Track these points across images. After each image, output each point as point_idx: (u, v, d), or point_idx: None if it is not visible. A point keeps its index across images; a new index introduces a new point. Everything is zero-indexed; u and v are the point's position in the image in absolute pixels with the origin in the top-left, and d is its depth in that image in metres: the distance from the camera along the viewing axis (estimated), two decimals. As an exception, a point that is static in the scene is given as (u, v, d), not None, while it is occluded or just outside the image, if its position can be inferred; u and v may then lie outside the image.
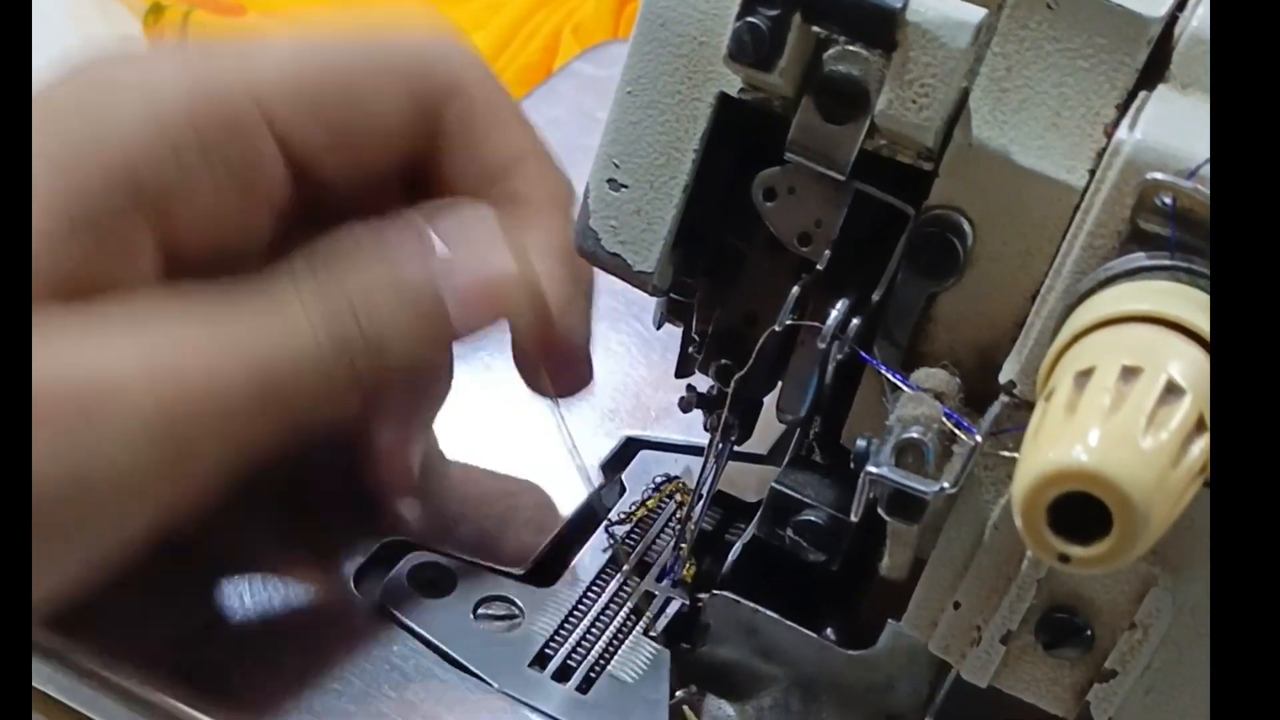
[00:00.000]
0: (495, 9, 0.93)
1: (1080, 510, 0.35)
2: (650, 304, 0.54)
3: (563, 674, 0.52)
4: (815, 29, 0.42)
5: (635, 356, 0.63)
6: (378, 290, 0.46)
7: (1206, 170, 0.38)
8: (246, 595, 0.52)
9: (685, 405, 0.52)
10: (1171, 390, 0.36)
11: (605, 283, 0.61)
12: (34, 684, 0.50)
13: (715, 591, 0.53)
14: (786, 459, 0.51)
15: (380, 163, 0.50)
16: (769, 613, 0.52)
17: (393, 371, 0.47)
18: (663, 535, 0.57)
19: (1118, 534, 0.35)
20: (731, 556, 0.54)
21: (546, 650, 0.53)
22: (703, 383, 0.52)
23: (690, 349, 0.53)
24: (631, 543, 0.57)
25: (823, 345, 0.46)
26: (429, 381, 0.54)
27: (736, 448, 0.53)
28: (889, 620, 0.51)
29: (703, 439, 0.58)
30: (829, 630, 0.52)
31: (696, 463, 0.58)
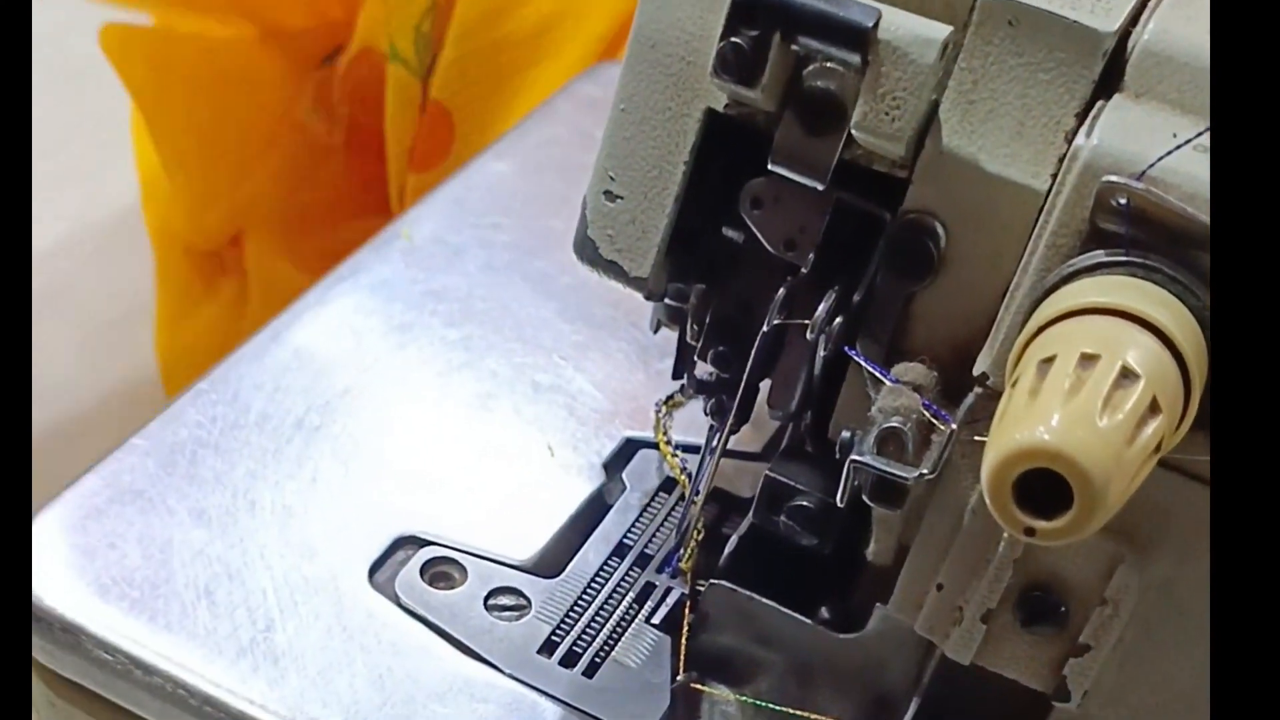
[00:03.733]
0: None
1: (1044, 487, 0.38)
2: (646, 312, 0.57)
3: (569, 660, 0.55)
4: (794, 47, 0.45)
5: (634, 362, 0.66)
6: None
7: (1155, 171, 0.41)
8: (270, 591, 0.55)
9: (693, 386, 0.55)
10: (1127, 375, 0.39)
11: (605, 293, 0.65)
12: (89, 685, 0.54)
13: (713, 581, 0.56)
14: (779, 451, 0.54)
15: None
16: (764, 600, 0.55)
17: None
18: (663, 527, 0.60)
19: (1078, 508, 0.38)
20: (729, 547, 0.57)
21: (553, 638, 0.56)
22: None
23: (687, 349, 0.56)
24: (636, 533, 0.60)
25: (811, 337, 0.49)
26: None
27: (732, 441, 0.56)
28: (877, 604, 0.54)
29: (698, 438, 0.61)
30: (823, 610, 0.55)
31: (693, 460, 0.61)
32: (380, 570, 0.57)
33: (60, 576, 0.54)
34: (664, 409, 0.63)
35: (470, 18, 0.91)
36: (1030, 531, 0.39)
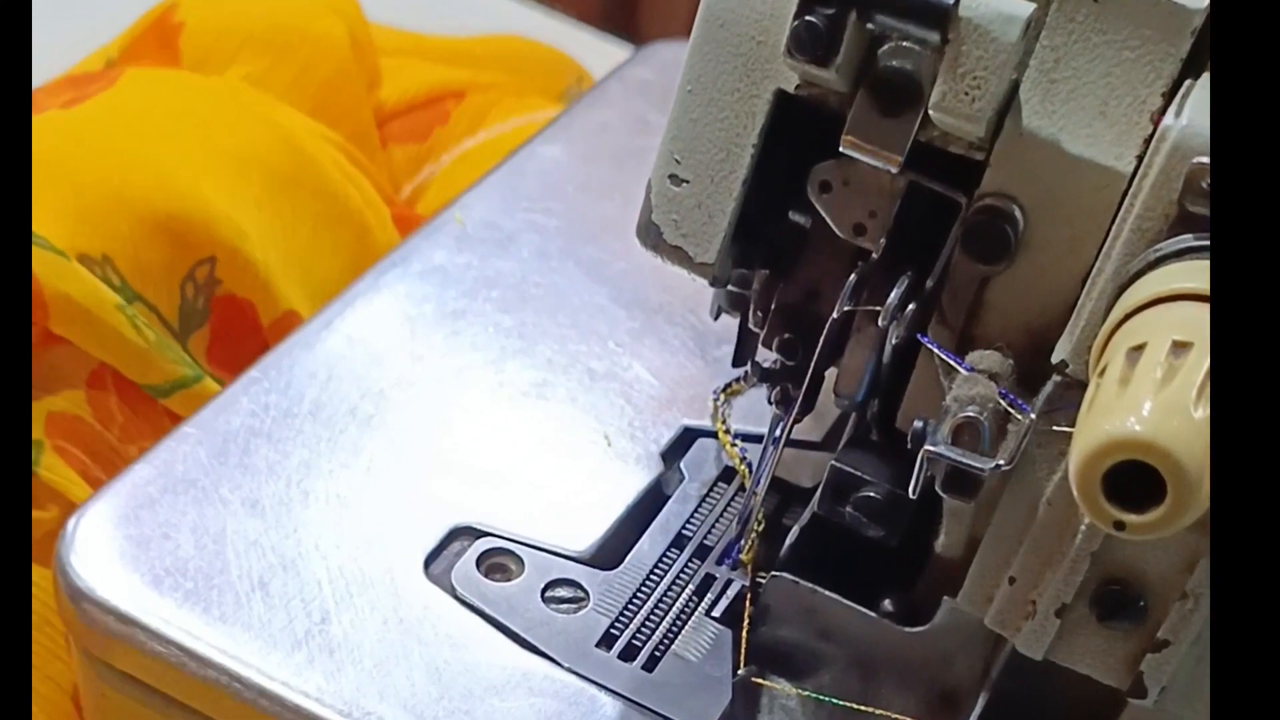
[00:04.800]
0: None
1: (1134, 479, 0.37)
2: (705, 299, 0.56)
3: (629, 654, 0.54)
4: (870, 26, 0.43)
5: (691, 349, 0.65)
6: None
7: (1251, 153, 0.40)
8: (325, 582, 0.54)
9: (756, 374, 0.54)
10: (1221, 363, 0.38)
11: (661, 279, 0.63)
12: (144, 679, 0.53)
13: (774, 573, 0.55)
14: (844, 440, 0.53)
15: None
16: (827, 593, 0.54)
17: None
18: (722, 518, 0.59)
19: (1171, 501, 0.37)
20: (790, 539, 0.56)
21: (612, 631, 0.54)
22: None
23: (748, 337, 0.55)
24: (694, 524, 0.59)
25: (882, 324, 0.47)
26: None
27: (795, 429, 0.55)
28: (944, 597, 0.52)
29: (758, 428, 0.60)
30: (886, 603, 0.54)
31: (752, 450, 0.60)
32: (436, 562, 0.56)
33: (113, 567, 0.53)
34: (722, 397, 0.62)
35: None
36: (1120, 525, 0.38)
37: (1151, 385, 0.37)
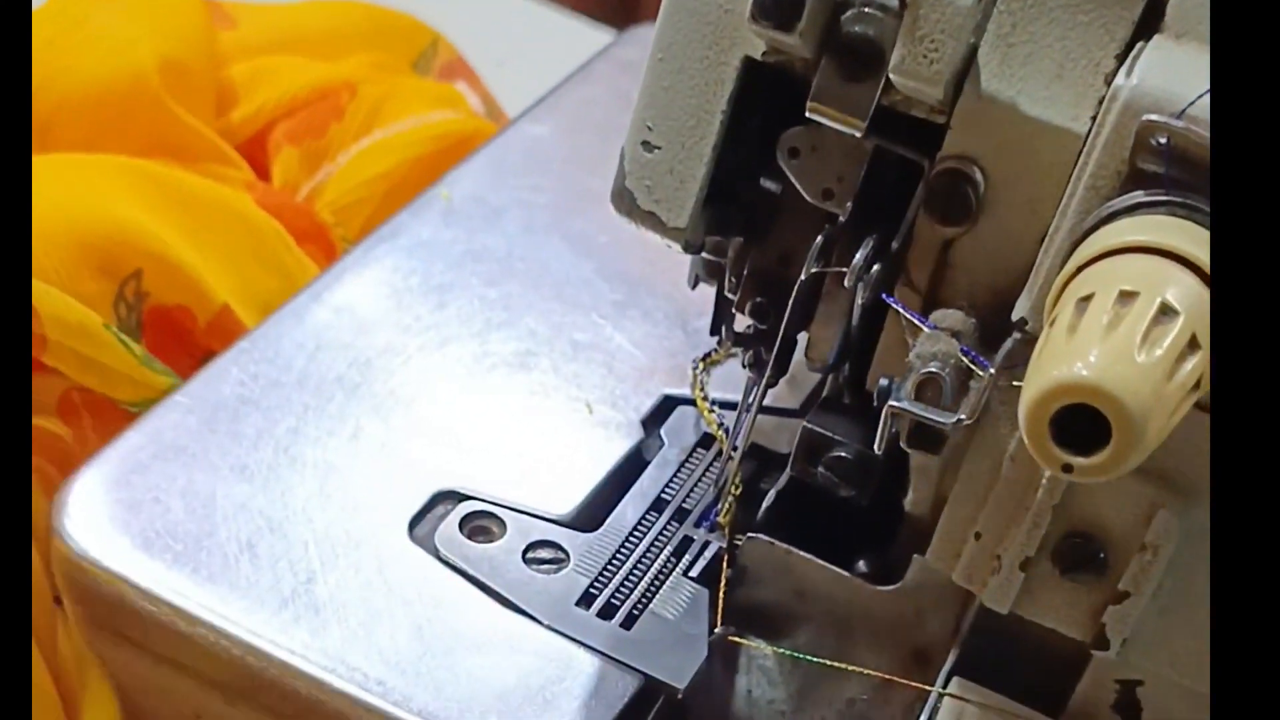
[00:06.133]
0: None
1: (1082, 424, 0.38)
2: (685, 271, 0.57)
3: (607, 612, 0.55)
4: (832, -8, 0.45)
5: (673, 320, 0.66)
6: None
7: (1195, 109, 0.41)
8: (311, 544, 0.55)
9: (730, 339, 0.55)
10: (1166, 312, 0.39)
11: (642, 251, 0.65)
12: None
13: (751, 534, 0.56)
14: (817, 402, 0.54)
15: None
16: (802, 553, 0.55)
17: None
18: (701, 482, 0.60)
19: (1116, 443, 0.38)
20: (767, 501, 0.57)
21: (592, 590, 0.56)
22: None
23: (724, 304, 0.56)
24: (674, 488, 0.60)
25: (848, 285, 0.49)
26: None
27: (770, 398, 0.56)
28: (915, 555, 0.54)
29: (735, 395, 0.61)
30: (861, 563, 0.55)
31: (730, 417, 0.61)
32: (420, 524, 0.57)
33: (105, 530, 0.55)
34: (701, 366, 0.63)
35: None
36: (1068, 468, 0.39)
37: (1098, 332, 0.38)
